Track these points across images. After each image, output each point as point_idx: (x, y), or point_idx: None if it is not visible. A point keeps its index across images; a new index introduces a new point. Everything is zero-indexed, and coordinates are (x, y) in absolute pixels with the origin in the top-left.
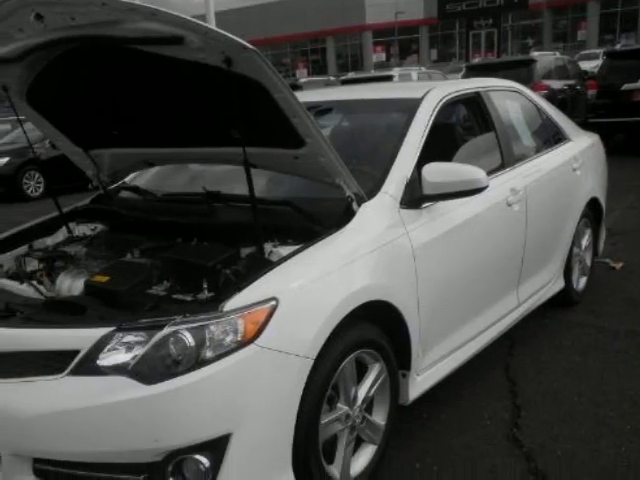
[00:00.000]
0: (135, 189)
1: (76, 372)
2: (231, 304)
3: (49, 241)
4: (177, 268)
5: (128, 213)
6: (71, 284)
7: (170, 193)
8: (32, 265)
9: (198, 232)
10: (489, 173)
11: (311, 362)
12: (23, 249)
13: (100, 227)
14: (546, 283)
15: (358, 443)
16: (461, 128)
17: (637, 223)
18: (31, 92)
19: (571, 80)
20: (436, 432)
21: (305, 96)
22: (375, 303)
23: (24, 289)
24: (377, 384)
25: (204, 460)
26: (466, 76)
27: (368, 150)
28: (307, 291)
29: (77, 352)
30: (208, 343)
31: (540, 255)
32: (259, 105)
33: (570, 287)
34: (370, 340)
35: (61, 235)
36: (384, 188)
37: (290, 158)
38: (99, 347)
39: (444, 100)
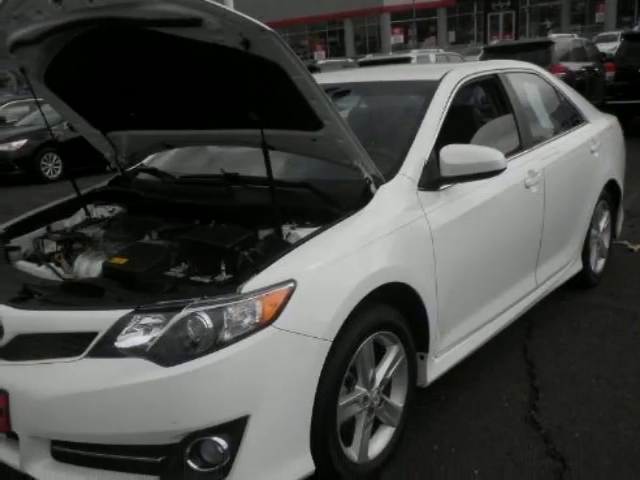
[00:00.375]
0: (153, 171)
1: (94, 354)
2: (249, 286)
3: (67, 223)
4: (195, 250)
5: (146, 195)
6: (89, 266)
7: (188, 175)
8: (50, 247)
9: (216, 214)
10: (507, 155)
11: (329, 344)
12: (41, 231)
13: (118, 209)
14: (564, 265)
15: (376, 425)
16: (479, 110)
17: None
18: (49, 74)
19: (589, 62)
20: (454, 414)
21: (323, 78)
22: (393, 285)
23: (42, 271)
24: (395, 366)
25: (222, 442)
26: (484, 58)
27: (386, 132)
28: (325, 273)
29: (95, 334)
30: (226, 325)
31: (558, 237)
32: (277, 87)
33: (588, 269)
34: (388, 322)
35: (79, 217)
36: (402, 170)
37: (308, 140)
38: (117, 329)
39: (462, 82)
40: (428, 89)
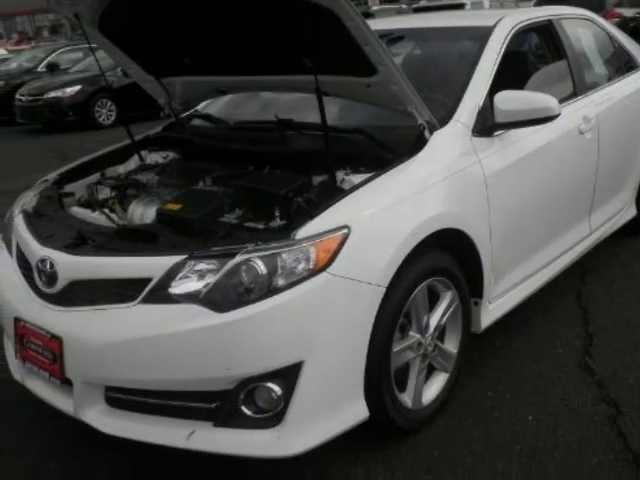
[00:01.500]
0: (207, 117)
1: (148, 300)
2: (303, 232)
3: (121, 169)
4: (249, 196)
5: (200, 141)
6: (143, 212)
7: (242, 121)
8: (104, 193)
9: (270, 160)
10: (561, 101)
11: (383, 290)
12: (95, 177)
13: (172, 155)
14: (618, 211)
15: (430, 371)
16: (533, 56)
17: None
18: (103, 20)
19: None
20: (508, 360)
21: (377, 24)
22: (447, 231)
23: (96, 217)
24: (449, 312)
25: (276, 388)
26: (538, 4)
27: (440, 78)
28: (379, 219)
29: (149, 280)
30: (280, 271)
31: (612, 183)
32: (331, 33)
33: None
34: (442, 268)
35: (133, 163)
36: (456, 116)
37: (362, 86)
38: (171, 275)
39: (516, 28)
40: (482, 35)
